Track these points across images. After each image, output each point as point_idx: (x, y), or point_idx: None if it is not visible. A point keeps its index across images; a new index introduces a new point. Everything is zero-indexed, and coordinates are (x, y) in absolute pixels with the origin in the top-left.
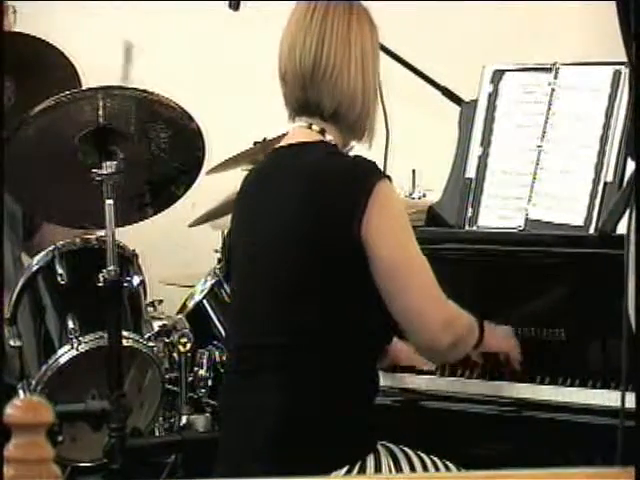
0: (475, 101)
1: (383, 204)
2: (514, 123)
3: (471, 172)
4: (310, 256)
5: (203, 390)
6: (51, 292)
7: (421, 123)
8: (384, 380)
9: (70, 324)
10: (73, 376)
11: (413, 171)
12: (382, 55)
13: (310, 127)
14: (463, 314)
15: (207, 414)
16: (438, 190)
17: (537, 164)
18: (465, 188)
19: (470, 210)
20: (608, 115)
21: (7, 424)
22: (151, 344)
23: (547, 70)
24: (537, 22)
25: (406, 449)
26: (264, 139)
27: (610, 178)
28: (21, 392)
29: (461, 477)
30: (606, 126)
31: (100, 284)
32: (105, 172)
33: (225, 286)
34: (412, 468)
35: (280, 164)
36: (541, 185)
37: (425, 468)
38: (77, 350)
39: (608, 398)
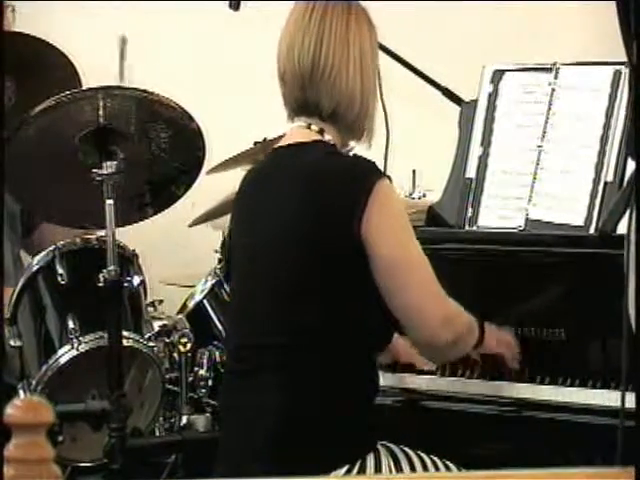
0: (475, 101)
1: (383, 203)
2: (514, 123)
3: (471, 172)
4: (310, 256)
5: (203, 390)
6: (51, 292)
7: (421, 123)
8: (385, 380)
9: (70, 324)
10: (73, 376)
11: (413, 171)
12: (382, 55)
13: (309, 127)
14: (463, 312)
15: (207, 414)
16: (438, 190)
17: (537, 164)
18: (465, 188)
19: (470, 210)
20: (608, 115)
21: (7, 424)
22: (151, 344)
23: (547, 70)
24: (536, 22)
25: (406, 449)
26: (264, 139)
27: (610, 178)
28: (21, 392)
29: (461, 477)
30: (606, 126)
31: (100, 284)
32: (105, 172)
33: (225, 286)
34: (412, 468)
35: (279, 164)
36: (541, 185)
37: (425, 468)
38: (77, 350)
39: (608, 398)
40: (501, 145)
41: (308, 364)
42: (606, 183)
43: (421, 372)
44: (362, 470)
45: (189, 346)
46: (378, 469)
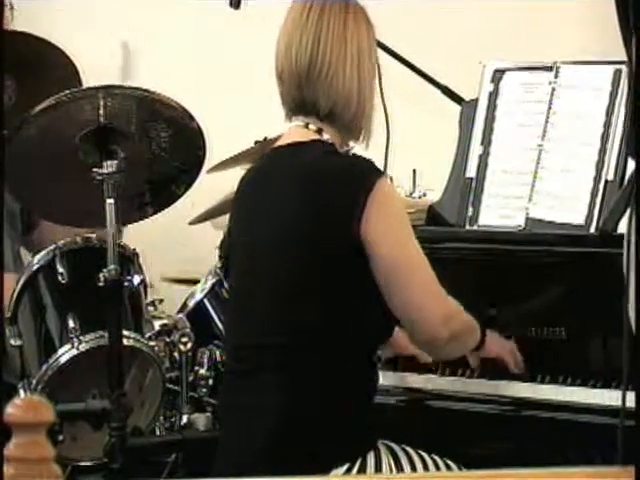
0: (476, 100)
1: (382, 202)
2: (515, 122)
3: (472, 171)
4: (309, 255)
5: (204, 389)
6: (52, 291)
7: (421, 122)
8: (385, 379)
9: (71, 323)
10: (74, 375)
11: (413, 171)
12: (382, 54)
13: (307, 126)
14: (463, 311)
15: (208, 413)
16: (438, 189)
17: (538, 163)
18: (466, 187)
19: (471, 209)
20: (609, 113)
21: (8, 423)
22: (152, 343)
23: (548, 69)
24: (535, 19)
25: (407, 448)
26: (265, 138)
27: (611, 176)
28: (22, 391)
29: (462, 476)
30: (607, 124)
31: (101, 283)
32: (106, 171)
33: (226, 285)
34: (413, 467)
35: (278, 164)
36: (542, 184)
37: (426, 467)
38: (78, 349)
39: (608, 397)
40: (502, 144)
41: (308, 364)
42: (607, 181)
43: (422, 371)
44: (362, 468)
45: (189, 345)
46: (378, 468)
